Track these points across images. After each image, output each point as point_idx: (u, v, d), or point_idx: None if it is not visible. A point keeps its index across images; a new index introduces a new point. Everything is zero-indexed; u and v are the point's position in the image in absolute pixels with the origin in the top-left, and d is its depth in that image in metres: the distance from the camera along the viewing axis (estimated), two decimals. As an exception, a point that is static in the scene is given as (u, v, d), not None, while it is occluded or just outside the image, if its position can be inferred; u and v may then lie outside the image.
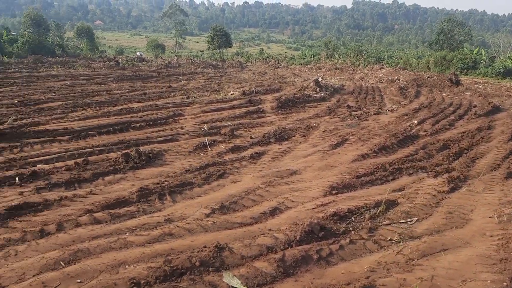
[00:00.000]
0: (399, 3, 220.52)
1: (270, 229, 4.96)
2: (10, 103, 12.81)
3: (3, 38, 38.08)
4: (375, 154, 8.49)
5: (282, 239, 4.58)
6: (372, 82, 22.53)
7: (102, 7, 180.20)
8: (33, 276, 3.88)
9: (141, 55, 45.04)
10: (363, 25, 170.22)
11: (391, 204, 5.78)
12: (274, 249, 4.39)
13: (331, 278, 3.95)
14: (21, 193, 5.99)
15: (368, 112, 13.23)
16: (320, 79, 19.21)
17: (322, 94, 16.35)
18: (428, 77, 24.92)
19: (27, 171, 6.77)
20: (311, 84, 17.56)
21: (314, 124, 11.22)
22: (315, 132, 10.37)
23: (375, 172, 7.30)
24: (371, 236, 4.81)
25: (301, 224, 4.89)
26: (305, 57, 51.17)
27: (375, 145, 8.98)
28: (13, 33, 44.84)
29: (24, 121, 10.22)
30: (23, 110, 11.71)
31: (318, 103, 14.88)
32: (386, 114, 13.16)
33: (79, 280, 3.79)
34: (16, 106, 12.32)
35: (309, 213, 5.47)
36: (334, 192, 6.24)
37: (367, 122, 11.88)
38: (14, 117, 10.42)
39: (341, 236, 4.76)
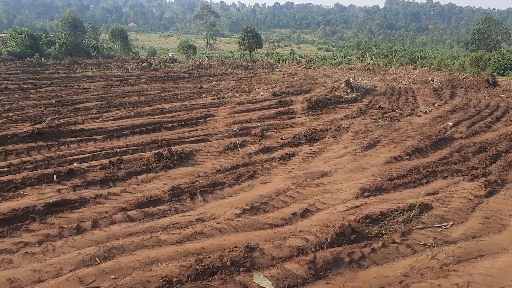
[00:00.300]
0: (434, 2, 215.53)
1: (300, 231, 4.94)
2: (48, 103, 13.26)
3: (42, 40, 39.38)
4: (408, 157, 8.32)
5: (313, 241, 4.55)
6: (405, 83, 22.11)
7: (135, 10, 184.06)
8: (70, 271, 4.00)
9: (172, 56, 45.73)
10: (396, 25, 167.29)
11: (425, 207, 5.65)
12: (305, 251, 4.37)
13: (363, 282, 3.90)
14: (59, 191, 6.19)
15: (401, 114, 12.99)
16: (351, 80, 19.00)
17: (353, 95, 16.17)
18: (464, 78, 24.26)
19: (64, 169, 6.98)
20: (342, 85, 17.38)
21: (345, 126, 11.10)
22: (346, 134, 10.26)
23: (408, 175, 7.16)
24: (404, 240, 4.72)
25: (332, 227, 4.85)
26: (336, 57, 50.73)
27: (408, 147, 8.81)
28: (51, 35, 46.32)
29: (61, 120, 10.55)
30: (60, 110, 12.09)
31: (350, 104, 14.72)
32: (420, 116, 12.88)
33: (113, 276, 3.88)
34: (54, 106, 12.74)
35: (340, 215, 5.42)
36: (366, 194, 6.15)
37: (400, 123, 11.66)
38: (52, 117, 10.77)
39: (373, 239, 4.69)
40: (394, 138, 9.85)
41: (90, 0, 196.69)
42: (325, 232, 4.73)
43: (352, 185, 6.64)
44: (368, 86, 19.07)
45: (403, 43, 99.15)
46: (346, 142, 9.52)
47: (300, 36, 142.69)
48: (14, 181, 6.39)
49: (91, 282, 3.75)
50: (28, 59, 31.45)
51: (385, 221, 5.17)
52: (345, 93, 16.50)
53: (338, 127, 10.93)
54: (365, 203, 5.82)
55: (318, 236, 4.67)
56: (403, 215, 5.33)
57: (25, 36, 36.60)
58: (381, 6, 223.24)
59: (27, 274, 3.93)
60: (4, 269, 4.05)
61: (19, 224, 5.02)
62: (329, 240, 4.53)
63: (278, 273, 3.97)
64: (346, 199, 5.99)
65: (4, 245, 4.51)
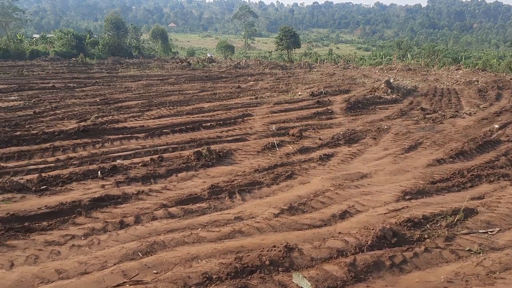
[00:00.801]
0: (479, 0, 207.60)
1: (340, 232, 4.89)
2: (92, 101, 13.73)
3: (86, 41, 40.78)
4: (451, 160, 8.07)
5: (353, 243, 4.49)
6: (447, 83, 21.45)
7: (175, 10, 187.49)
8: (114, 264, 4.12)
9: (211, 56, 46.28)
10: (438, 24, 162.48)
11: (470, 212, 5.46)
12: (344, 253, 4.32)
13: (405, 286, 3.81)
14: (103, 186, 6.40)
15: (444, 115, 12.61)
16: (391, 80, 18.62)
17: (393, 96, 15.85)
18: (511, 79, 23.24)
19: (108, 165, 7.22)
20: (382, 85, 17.07)
21: (385, 127, 10.89)
22: (387, 135, 10.06)
23: (452, 178, 6.94)
24: (448, 245, 4.58)
25: (373, 229, 4.77)
26: (375, 57, 49.84)
27: (451, 150, 8.54)
28: (94, 36, 47.90)
29: (105, 118, 10.90)
30: (104, 108, 12.49)
31: (390, 105, 14.43)
32: (464, 118, 12.47)
33: (155, 271, 3.97)
34: (98, 105, 13.18)
35: (380, 218, 5.32)
36: (407, 197, 6.01)
37: (443, 125, 11.32)
38: (96, 115, 11.14)
39: (415, 243, 4.57)
40: (436, 140, 9.57)
41: (132, 1, 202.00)
42: (365, 235, 4.65)
43: (393, 187, 6.51)
44: (409, 87, 18.64)
45: (446, 43, 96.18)
46: (386, 143, 9.34)
47: (339, 35, 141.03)
48: (62, 176, 6.66)
49: (134, 276, 3.85)
50: (73, 58, 32.63)
51: (428, 225, 5.03)
52: (385, 94, 16.19)
53: (378, 128, 10.73)
54: (407, 206, 5.68)
55: (358, 238, 4.61)
56: (446, 219, 5.17)
57: (71, 37, 38.01)
58: (424, 4, 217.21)
59: (74, 265, 4.08)
60: (53, 260, 4.23)
61: (66, 217, 5.23)
62: (369, 242, 4.46)
63: (317, 274, 3.95)
64: (386, 202, 5.88)
65: (53, 237, 4.71)
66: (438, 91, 18.36)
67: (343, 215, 5.46)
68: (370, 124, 11.39)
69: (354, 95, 15.77)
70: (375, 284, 3.86)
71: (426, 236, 4.73)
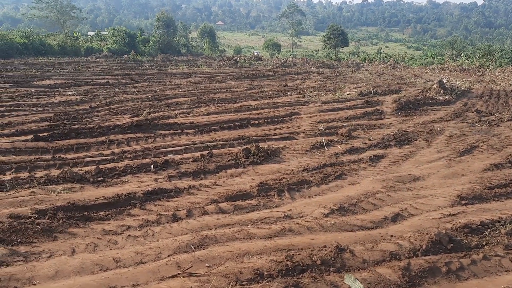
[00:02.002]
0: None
1: (392, 235, 4.79)
2: (144, 97, 14.15)
3: (138, 38, 42.08)
4: (510, 164, 7.69)
5: (406, 247, 4.39)
6: (504, 85, 20.45)
7: (224, 8, 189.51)
8: (168, 256, 4.24)
9: (257, 54, 46.47)
10: (495, 23, 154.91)
11: (532, 221, 5.19)
12: (398, 257, 4.23)
13: (462, 294, 3.69)
14: (156, 180, 6.59)
15: (501, 118, 12.04)
16: (444, 81, 17.98)
17: (446, 97, 15.31)
18: None
19: (160, 160, 7.43)
20: (435, 86, 16.51)
21: (438, 129, 10.54)
22: (440, 137, 9.73)
23: (511, 184, 6.62)
24: (508, 253, 4.37)
25: (427, 234, 4.64)
26: (426, 57, 48.21)
27: (510, 154, 8.14)
28: (145, 33, 49.33)
29: (156, 114, 11.21)
30: (155, 104, 12.85)
31: (442, 106, 13.94)
32: (523, 121, 11.84)
33: (208, 265, 4.06)
34: (149, 100, 13.57)
35: (435, 222, 5.17)
36: (463, 202, 5.80)
37: (500, 128, 10.81)
38: (148, 110, 11.48)
39: (473, 250, 4.41)
40: (493, 144, 9.16)
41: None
42: (420, 239, 4.54)
43: (447, 191, 6.29)
44: (462, 88, 17.93)
45: (502, 43, 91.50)
46: (439, 146, 9.04)
47: (388, 34, 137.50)
48: (117, 168, 6.93)
49: (188, 268, 3.95)
50: (125, 55, 33.75)
51: (486, 232, 4.83)
52: (437, 95, 15.66)
53: (430, 130, 10.40)
54: (463, 212, 5.49)
55: (411, 242, 4.50)
56: (506, 226, 4.94)
57: (123, 34, 39.34)
58: (479, 2, 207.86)
59: (130, 255, 4.24)
60: (111, 249, 4.41)
61: (122, 208, 5.43)
62: (424, 247, 4.34)
63: (370, 276, 3.89)
64: (441, 206, 5.70)
65: (110, 227, 4.91)
66: (494, 93, 17.55)
67: (395, 218, 5.34)
68: (422, 125, 11.06)
69: (404, 95, 15.36)
70: (430, 290, 3.76)
71: (484, 243, 4.55)
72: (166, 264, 4.05)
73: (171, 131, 9.59)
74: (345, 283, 3.78)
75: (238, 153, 7.97)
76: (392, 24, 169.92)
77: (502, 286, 3.80)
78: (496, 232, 4.84)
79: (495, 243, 4.56)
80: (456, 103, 14.64)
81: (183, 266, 4.01)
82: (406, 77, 23.87)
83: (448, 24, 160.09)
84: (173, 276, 3.83)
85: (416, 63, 40.28)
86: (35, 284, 3.68)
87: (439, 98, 15.15)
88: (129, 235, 4.70)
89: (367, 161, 7.85)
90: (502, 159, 7.99)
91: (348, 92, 16.28)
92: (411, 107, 13.43)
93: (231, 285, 3.68)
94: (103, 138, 8.74)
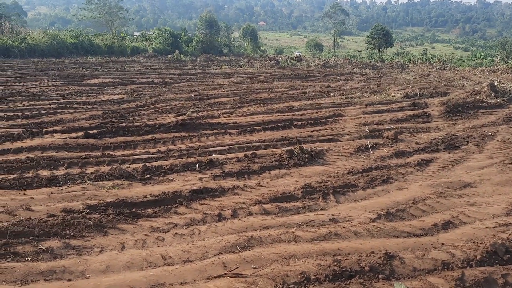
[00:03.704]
0: None
1: (443, 244, 4.61)
2: (188, 96, 14.39)
3: (181, 38, 42.89)
4: None
5: (459, 256, 4.21)
6: (562, 88, 19.32)
7: (266, 9, 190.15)
8: (214, 255, 4.27)
9: (299, 54, 46.27)
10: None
11: None
12: (450, 266, 4.06)
13: (521, 309, 3.50)
14: (201, 179, 6.67)
15: (559, 124, 11.39)
16: (495, 83, 17.22)
17: (498, 100, 14.64)
18: None
19: (205, 159, 7.51)
20: (485, 89, 15.83)
21: (490, 133, 10.09)
22: (492, 142, 9.32)
23: None
24: None
25: (481, 243, 4.44)
26: (475, 58, 46.32)
27: None
28: (188, 34, 50.20)
29: (200, 113, 11.36)
30: (198, 104, 13.03)
31: (494, 110, 13.35)
32: None
33: (254, 266, 4.05)
34: (193, 100, 13.78)
35: (489, 231, 4.94)
36: (519, 211, 5.52)
37: (558, 134, 10.22)
38: (192, 110, 11.65)
39: (531, 263, 4.18)
40: (551, 150, 8.68)
41: (225, 0, 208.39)
42: (473, 249, 4.34)
43: (502, 199, 6.01)
44: (516, 91, 17.09)
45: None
46: (491, 151, 8.65)
47: (435, 34, 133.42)
48: (163, 166, 7.06)
49: (234, 269, 3.95)
50: (169, 55, 34.46)
51: (546, 245, 4.57)
52: (488, 98, 15.01)
53: (481, 134, 9.98)
54: (519, 222, 5.21)
55: (465, 251, 4.31)
56: None
57: (167, 35, 40.20)
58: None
59: (177, 253, 4.30)
60: (158, 246, 4.49)
61: (168, 206, 5.52)
62: (478, 257, 4.15)
63: (421, 286, 3.76)
64: (495, 215, 5.44)
65: (158, 224, 5.00)
66: (551, 96, 16.62)
67: (446, 225, 5.14)
68: (472, 129, 10.63)
69: (453, 98, 14.82)
70: (486, 303, 3.59)
71: (545, 256, 4.30)
72: (213, 263, 4.07)
73: (215, 131, 9.68)
74: (395, 292, 3.68)
75: (282, 154, 7.94)
76: (439, 24, 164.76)
77: None
78: (557, 245, 4.56)
79: (556, 257, 4.29)
80: (508, 107, 13.99)
81: (230, 266, 4.02)
82: (453, 79, 23.05)
83: (499, 25, 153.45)
84: (219, 276, 3.85)
85: (464, 64, 38.80)
86: (87, 278, 3.80)
87: (490, 101, 14.52)
88: (176, 233, 4.77)
89: (414, 166, 7.62)
90: (561, 167, 7.54)
91: (393, 94, 15.90)
92: (460, 110, 12.94)
93: (278, 288, 3.65)
94: (149, 137, 8.94)
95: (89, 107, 12.09)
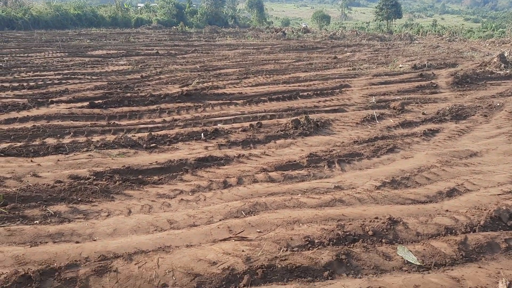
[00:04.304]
0: None
1: (447, 210, 4.62)
2: (193, 68, 14.30)
3: (186, 10, 42.30)
4: None
5: (463, 221, 4.23)
6: None
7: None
8: (220, 220, 4.32)
9: (306, 26, 45.57)
10: None
11: None
12: (454, 231, 4.08)
13: (523, 272, 3.53)
14: (206, 148, 6.69)
15: None
16: (506, 54, 16.93)
17: (508, 71, 14.41)
18: None
19: (210, 128, 7.51)
20: (495, 60, 15.58)
21: (498, 104, 9.97)
22: (500, 113, 9.22)
23: None
24: None
25: (485, 209, 4.45)
26: (486, 29, 45.35)
27: None
28: (193, 5, 49.45)
29: (205, 84, 11.30)
30: (203, 75, 12.95)
31: (503, 81, 13.16)
32: None
33: (259, 230, 4.09)
34: (198, 71, 13.69)
35: (493, 198, 4.94)
36: (525, 180, 5.50)
37: None
38: (197, 80, 11.59)
39: (535, 229, 4.20)
40: (560, 121, 8.58)
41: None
42: (477, 215, 4.36)
43: (508, 168, 5.98)
44: (526, 62, 16.80)
45: None
46: (499, 121, 8.57)
47: (445, 5, 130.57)
48: (169, 135, 7.08)
49: (239, 232, 4.00)
50: (174, 27, 34.06)
51: (550, 211, 4.57)
52: (497, 69, 14.78)
53: (489, 105, 9.87)
54: (524, 189, 5.21)
55: (468, 217, 4.33)
56: None
57: (172, 6, 39.65)
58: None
59: (183, 218, 4.35)
60: (164, 211, 4.54)
61: (174, 173, 5.56)
62: (481, 223, 4.17)
63: (424, 249, 3.79)
64: (500, 183, 5.43)
65: (164, 190, 5.05)
66: (562, 67, 16.32)
67: (451, 193, 5.15)
68: (480, 100, 10.51)
69: (461, 69, 14.62)
70: (488, 265, 3.62)
71: (548, 222, 4.31)
72: (218, 227, 4.12)
73: (220, 101, 9.65)
74: (397, 254, 3.71)
75: (287, 124, 7.92)
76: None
77: None
78: (563, 212, 4.56)
79: (560, 223, 4.30)
80: (518, 78, 13.77)
81: (235, 230, 4.07)
82: (463, 50, 22.69)
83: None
84: (225, 239, 3.90)
85: (474, 36, 38.03)
86: (95, 240, 3.86)
87: (500, 72, 14.30)
88: (181, 199, 4.82)
89: (421, 135, 7.59)
90: None
91: (400, 65, 15.69)
92: (468, 81, 12.77)
93: (282, 251, 3.70)
94: (154, 107, 8.93)
95: (94, 77, 12.07)
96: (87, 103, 8.89)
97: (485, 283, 3.34)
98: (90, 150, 6.32)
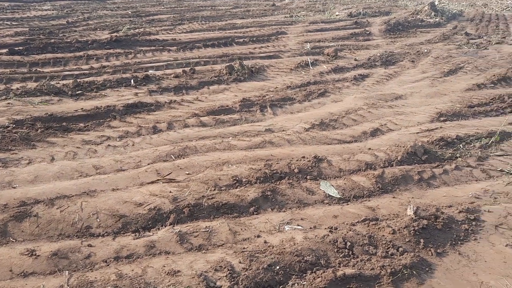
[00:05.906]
0: None
1: (370, 148, 4.86)
2: (124, 13, 13.58)
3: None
4: (492, 85, 7.70)
5: (382, 157, 4.48)
6: (497, 9, 19.99)
7: None
8: (148, 164, 4.28)
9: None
10: None
11: (507, 136, 5.29)
12: (373, 166, 4.32)
13: (432, 199, 3.83)
14: (136, 94, 6.49)
15: (489, 41, 11.87)
16: (436, 3, 17.49)
17: (437, 19, 14.93)
18: None
19: (140, 75, 7.26)
20: (426, 8, 16.05)
21: (425, 50, 10.38)
22: (426, 59, 9.62)
23: (491, 103, 6.67)
24: (479, 164, 4.50)
25: (404, 146, 4.72)
26: (420, -20, 46.33)
27: (493, 75, 8.12)
28: None
29: (137, 30, 10.79)
30: (135, 21, 12.36)
31: (432, 29, 13.65)
32: (511, 44, 11.72)
33: (187, 172, 4.11)
34: (129, 17, 13.04)
35: (412, 136, 5.24)
36: (442, 119, 5.85)
37: (487, 51, 10.69)
38: (128, 26, 11.04)
39: (446, 161, 4.52)
40: (479, 65, 9.10)
41: None
42: (396, 151, 4.62)
43: (428, 109, 6.33)
44: (454, 11, 17.47)
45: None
46: (425, 67, 8.96)
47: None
48: (96, 82, 6.78)
49: (167, 174, 4.00)
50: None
51: (461, 145, 4.93)
52: (428, 17, 15.27)
53: (418, 51, 10.25)
54: (441, 127, 5.55)
55: (388, 154, 4.59)
56: (481, 141, 5.05)
57: None
58: None
59: (110, 163, 4.26)
60: (90, 157, 4.42)
61: (101, 120, 5.39)
62: (399, 158, 4.44)
63: (345, 183, 4.00)
64: (420, 122, 5.75)
65: (89, 137, 4.88)
66: (486, 16, 17.17)
67: (375, 132, 5.39)
68: (410, 47, 10.88)
69: (394, 17, 14.95)
70: (401, 195, 3.90)
71: (458, 155, 4.66)
72: (146, 171, 4.09)
73: (152, 48, 9.30)
74: (320, 189, 3.89)
75: (222, 70, 7.81)
76: None
77: (470, 193, 3.94)
78: (471, 146, 4.95)
79: (468, 155, 4.67)
80: (446, 26, 14.33)
81: (163, 173, 4.06)
82: (398, -1, 23.12)
83: None
84: (152, 182, 3.88)
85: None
86: (15, 187, 3.70)
87: (429, 20, 14.79)
88: (108, 145, 4.70)
89: (351, 80, 7.79)
90: (485, 79, 7.97)
91: (337, 13, 15.78)
92: (400, 28, 13.14)
93: (210, 190, 3.75)
94: (81, 53, 8.46)
95: (14, 23, 11.16)
96: (6, 50, 8.24)
97: (397, 211, 3.61)
98: (9, 98, 5.94)
